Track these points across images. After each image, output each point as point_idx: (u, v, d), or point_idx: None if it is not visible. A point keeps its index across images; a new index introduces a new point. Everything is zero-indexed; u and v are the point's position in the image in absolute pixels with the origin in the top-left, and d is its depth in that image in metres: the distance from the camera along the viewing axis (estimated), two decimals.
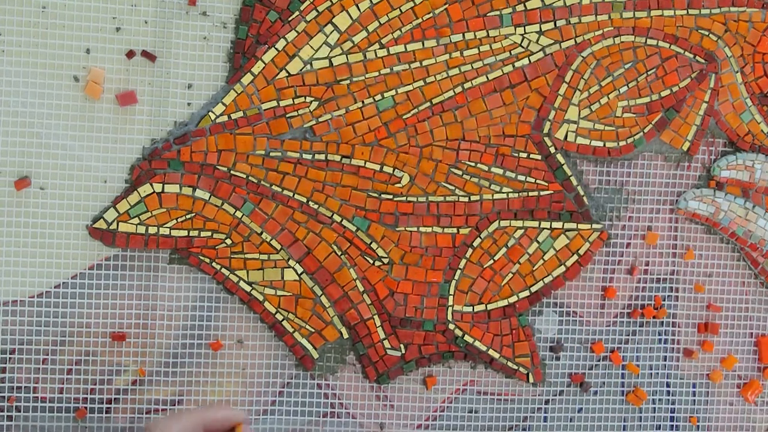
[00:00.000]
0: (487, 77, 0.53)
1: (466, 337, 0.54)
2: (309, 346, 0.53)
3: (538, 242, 0.54)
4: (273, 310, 0.53)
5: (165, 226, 0.51)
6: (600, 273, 0.56)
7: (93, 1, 0.50)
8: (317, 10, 0.51)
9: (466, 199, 0.53)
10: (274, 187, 0.52)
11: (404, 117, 0.53)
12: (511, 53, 0.53)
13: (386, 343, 0.54)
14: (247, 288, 0.52)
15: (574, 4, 0.53)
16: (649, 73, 0.55)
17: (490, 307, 0.54)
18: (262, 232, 0.52)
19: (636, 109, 0.55)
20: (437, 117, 0.53)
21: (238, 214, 0.52)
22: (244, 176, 0.51)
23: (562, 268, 0.55)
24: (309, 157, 0.52)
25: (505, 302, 0.54)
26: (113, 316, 0.52)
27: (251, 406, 0.54)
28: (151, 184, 0.51)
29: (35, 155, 0.50)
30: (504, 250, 0.54)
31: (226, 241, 0.52)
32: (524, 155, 0.54)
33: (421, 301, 0.54)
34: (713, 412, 0.58)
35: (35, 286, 0.51)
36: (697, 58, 0.55)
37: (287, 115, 0.51)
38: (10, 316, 0.51)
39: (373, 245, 0.53)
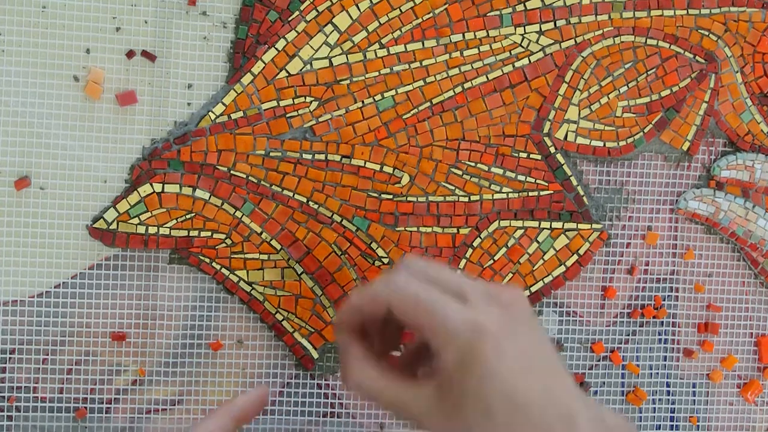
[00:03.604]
0: (487, 77, 0.53)
1: None
2: (309, 346, 0.53)
3: (538, 242, 0.54)
4: (273, 310, 0.53)
5: (165, 226, 0.51)
6: (600, 273, 0.56)
7: (93, 1, 0.50)
8: (317, 10, 0.51)
9: (466, 199, 0.53)
10: (274, 187, 0.52)
11: (404, 117, 0.53)
12: (511, 53, 0.53)
13: None
14: (247, 288, 0.52)
15: (574, 4, 0.53)
16: (649, 73, 0.55)
17: None
18: (262, 232, 0.52)
19: (636, 109, 0.55)
20: (437, 117, 0.53)
21: (238, 214, 0.52)
22: (244, 176, 0.51)
23: (562, 268, 0.55)
24: (309, 157, 0.52)
25: None
26: (113, 316, 0.52)
27: None
28: (151, 184, 0.51)
29: (35, 155, 0.50)
30: (504, 250, 0.54)
31: (226, 241, 0.52)
32: (524, 155, 0.54)
33: None
34: (713, 412, 0.58)
35: (35, 286, 0.51)
36: (697, 58, 0.55)
37: (287, 115, 0.51)
38: (10, 316, 0.51)
39: (373, 245, 0.53)
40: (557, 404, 0.40)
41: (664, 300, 0.57)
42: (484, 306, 0.41)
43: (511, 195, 0.54)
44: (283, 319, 0.53)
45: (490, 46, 0.53)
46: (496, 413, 0.40)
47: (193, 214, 0.51)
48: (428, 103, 0.53)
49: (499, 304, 0.41)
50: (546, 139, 0.54)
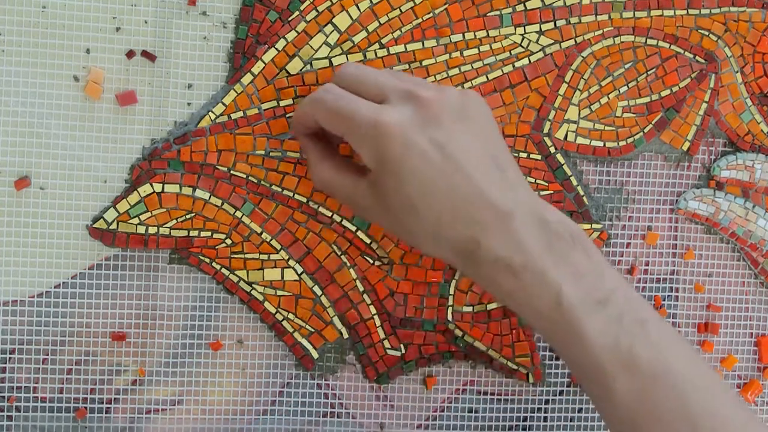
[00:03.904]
0: (487, 77, 0.53)
1: (466, 337, 0.54)
2: (309, 346, 0.53)
3: None
4: (273, 310, 0.53)
5: (165, 226, 0.51)
6: None
7: (93, 1, 0.50)
8: (317, 10, 0.51)
9: None
10: (274, 187, 0.52)
11: None
12: (511, 53, 0.53)
13: (386, 343, 0.54)
14: (247, 288, 0.52)
15: (574, 4, 0.53)
16: (649, 73, 0.55)
17: (490, 306, 0.54)
18: (262, 232, 0.52)
19: (636, 109, 0.55)
20: None
21: (238, 214, 0.52)
22: (244, 176, 0.51)
23: None
24: None
25: None
26: (113, 316, 0.52)
27: (251, 406, 0.54)
28: (151, 184, 0.51)
29: (35, 155, 0.50)
30: None
31: (226, 241, 0.52)
32: (524, 155, 0.54)
33: (421, 301, 0.54)
34: None
35: (35, 286, 0.51)
36: (697, 58, 0.55)
37: (287, 115, 0.51)
38: (10, 316, 0.51)
39: (373, 245, 0.53)
40: (489, 201, 0.39)
41: (664, 300, 0.57)
42: (398, 104, 0.40)
43: None
44: (283, 319, 0.53)
45: (490, 46, 0.53)
46: (420, 211, 0.39)
47: (193, 214, 0.51)
48: None
49: (416, 102, 0.40)
50: (546, 139, 0.54)
